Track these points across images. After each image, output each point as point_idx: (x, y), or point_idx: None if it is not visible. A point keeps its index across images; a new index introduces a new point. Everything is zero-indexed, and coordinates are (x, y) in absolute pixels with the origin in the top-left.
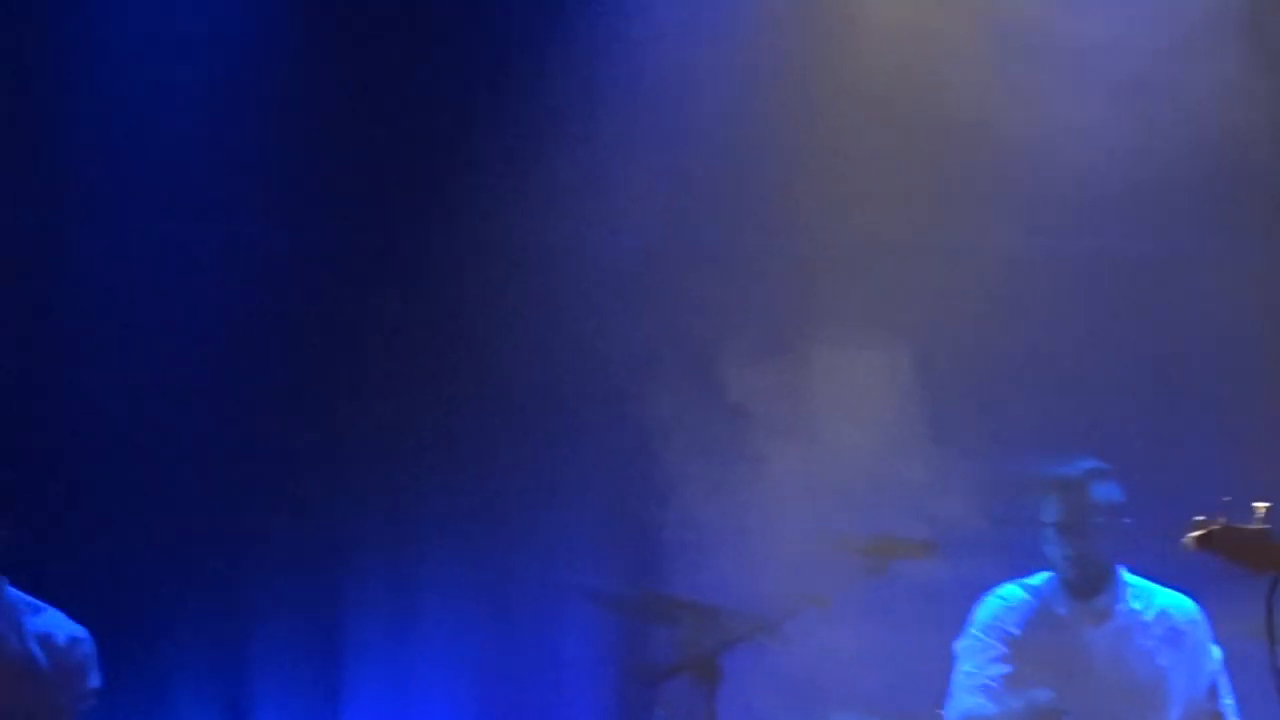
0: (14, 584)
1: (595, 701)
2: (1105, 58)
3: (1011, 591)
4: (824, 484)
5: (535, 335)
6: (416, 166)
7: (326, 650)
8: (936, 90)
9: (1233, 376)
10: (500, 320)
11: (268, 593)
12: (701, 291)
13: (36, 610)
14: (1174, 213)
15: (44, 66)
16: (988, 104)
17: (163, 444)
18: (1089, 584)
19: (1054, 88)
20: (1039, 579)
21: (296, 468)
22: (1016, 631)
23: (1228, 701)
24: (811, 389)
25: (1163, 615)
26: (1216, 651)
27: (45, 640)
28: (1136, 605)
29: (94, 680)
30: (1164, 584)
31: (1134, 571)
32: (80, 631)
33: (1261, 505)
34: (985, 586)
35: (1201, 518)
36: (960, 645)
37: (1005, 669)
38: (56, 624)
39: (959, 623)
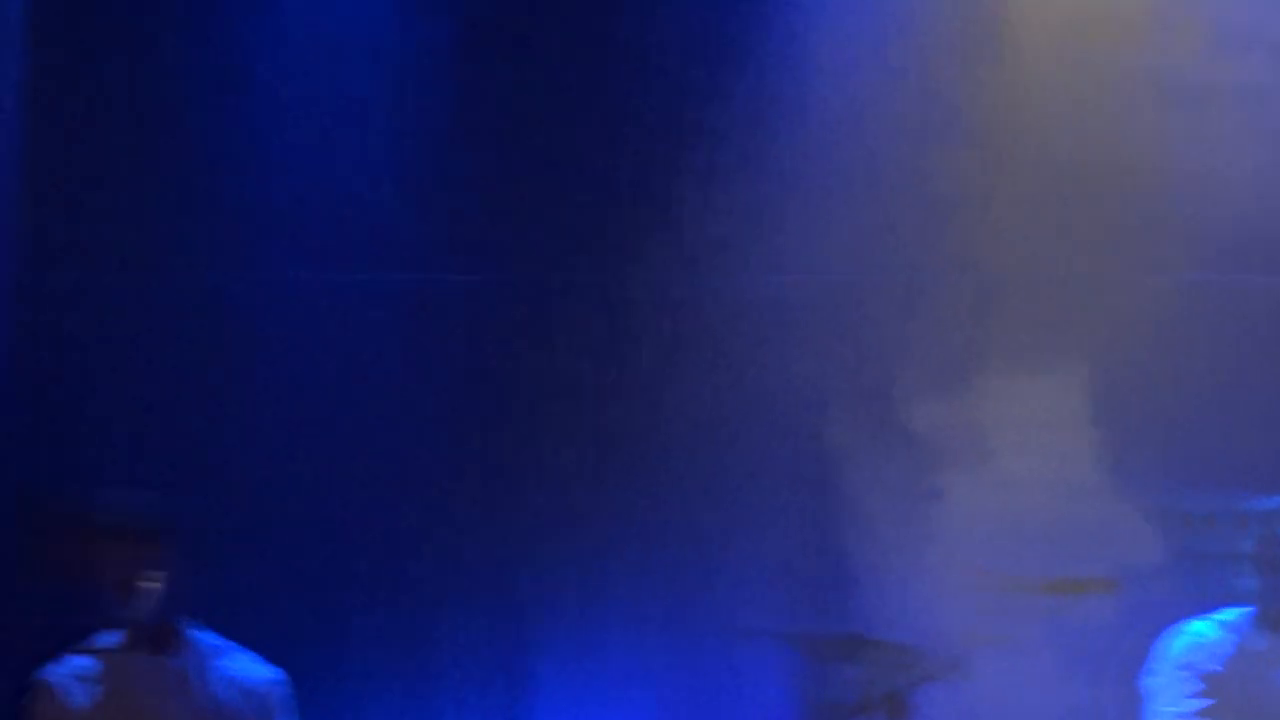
0: (206, 626)
1: None
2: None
3: (1203, 627)
4: (1003, 518)
5: (716, 373)
6: (603, 211)
7: (509, 689)
8: (1110, 131)
9: None
10: (680, 358)
11: (454, 637)
12: (879, 325)
13: (228, 653)
14: None
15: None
16: (1158, 145)
17: (351, 484)
18: None
19: (1221, 131)
20: (1231, 614)
21: (484, 506)
22: (1214, 668)
23: None
24: (990, 422)
25: None
26: None
27: (238, 684)
28: None
29: None
30: None
31: None
32: (276, 674)
33: None
34: (1167, 623)
35: None
36: (1152, 682)
37: (1205, 704)
38: (249, 666)
39: (1140, 659)
